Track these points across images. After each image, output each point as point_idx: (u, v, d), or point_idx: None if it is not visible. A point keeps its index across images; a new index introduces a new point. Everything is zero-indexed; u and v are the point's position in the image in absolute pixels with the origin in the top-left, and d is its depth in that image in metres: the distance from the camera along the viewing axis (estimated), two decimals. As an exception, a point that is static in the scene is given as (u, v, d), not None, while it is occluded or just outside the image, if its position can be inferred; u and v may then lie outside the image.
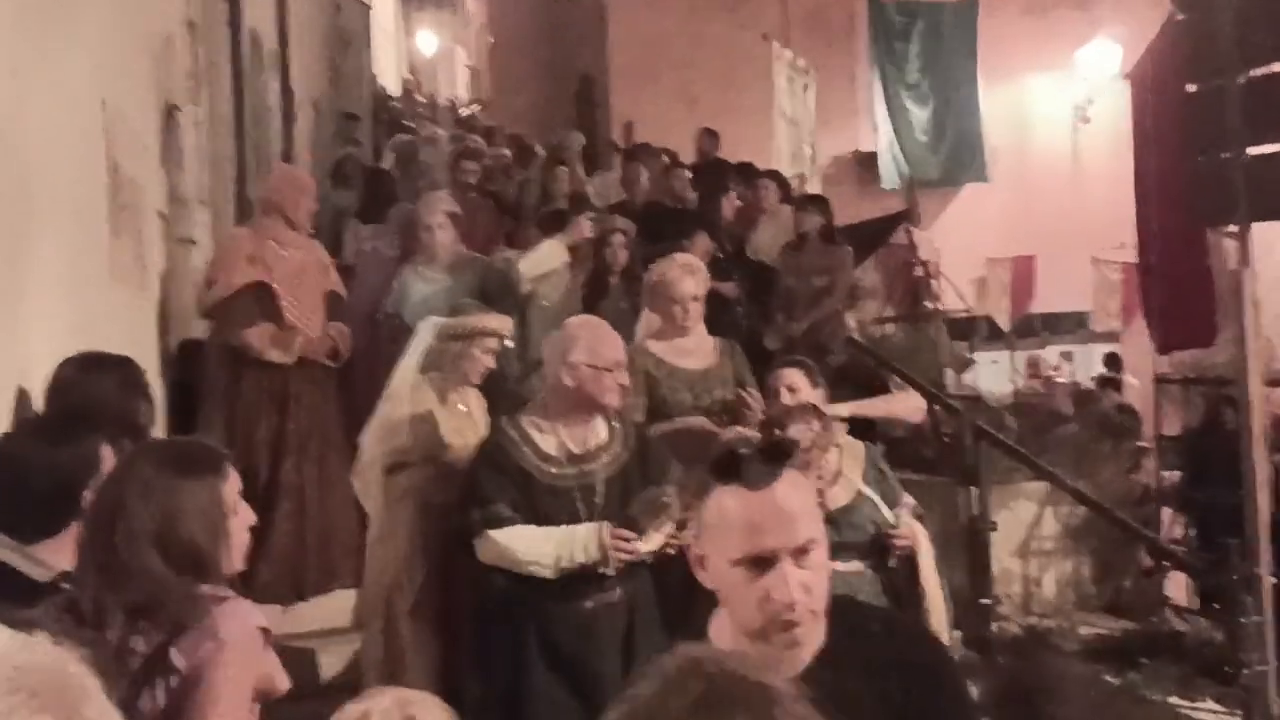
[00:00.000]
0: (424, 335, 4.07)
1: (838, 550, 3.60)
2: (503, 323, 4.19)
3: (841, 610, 1.79)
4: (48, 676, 0.86)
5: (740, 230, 8.16)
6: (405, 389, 3.96)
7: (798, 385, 3.87)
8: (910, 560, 3.63)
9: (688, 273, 4.36)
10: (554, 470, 3.41)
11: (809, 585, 1.68)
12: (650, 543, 3.33)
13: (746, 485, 1.69)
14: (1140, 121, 5.68)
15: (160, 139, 5.75)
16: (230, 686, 1.97)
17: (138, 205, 4.94)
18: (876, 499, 3.67)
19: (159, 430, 4.65)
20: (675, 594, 3.62)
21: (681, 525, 3.34)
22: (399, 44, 27.54)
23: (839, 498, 3.60)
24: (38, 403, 3.12)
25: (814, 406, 3.72)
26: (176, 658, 1.95)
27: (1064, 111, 15.28)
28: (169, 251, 5.95)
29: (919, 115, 14.50)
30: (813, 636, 1.73)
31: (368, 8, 16.79)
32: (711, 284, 4.71)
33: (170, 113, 5.99)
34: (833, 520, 3.64)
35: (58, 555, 2.36)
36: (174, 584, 1.97)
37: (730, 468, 1.72)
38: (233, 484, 2.10)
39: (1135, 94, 5.71)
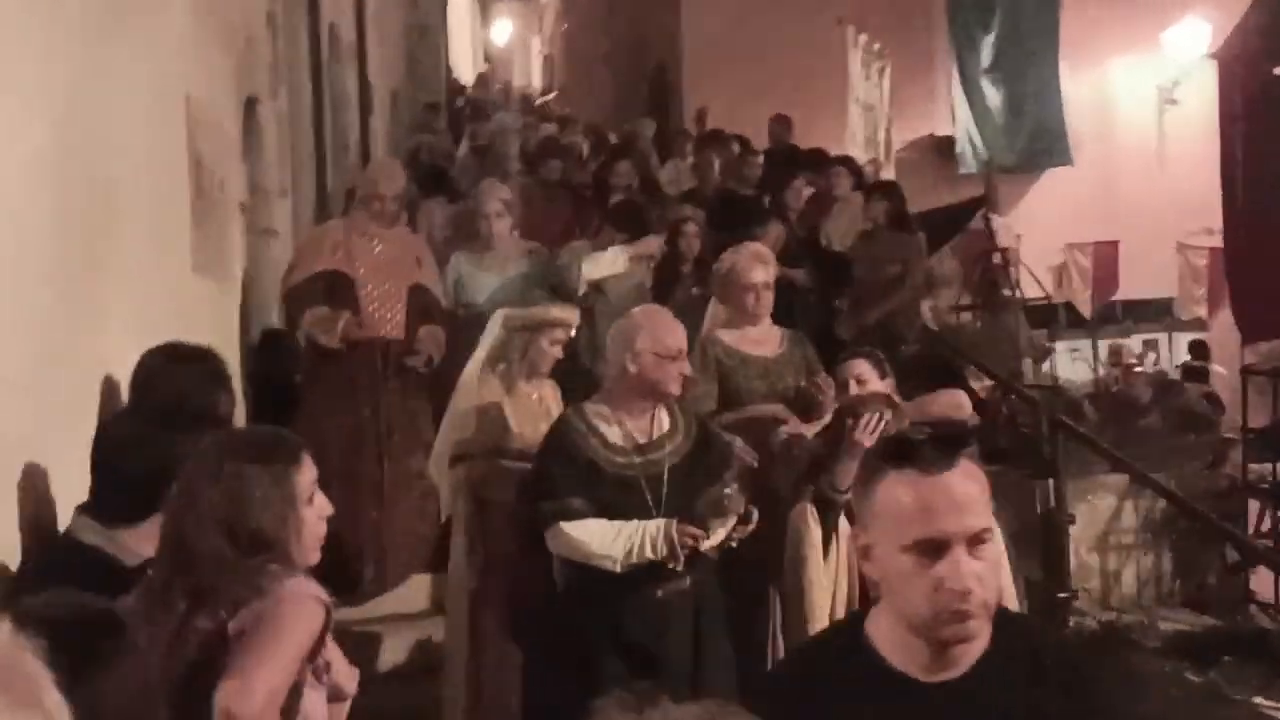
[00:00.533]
0: (492, 327, 4.12)
1: None
2: (569, 313, 4.22)
3: (1003, 619, 1.75)
4: (8, 669, 0.87)
5: (813, 218, 8.10)
6: (473, 381, 4.02)
7: (865, 376, 3.85)
8: None
9: (758, 261, 4.38)
10: (620, 460, 3.43)
11: (982, 577, 1.64)
12: (715, 538, 3.34)
13: (920, 469, 1.65)
14: (1228, 103, 5.52)
15: (241, 132, 5.88)
16: (278, 640, 1.96)
17: (220, 197, 5.06)
18: None
19: (239, 421, 4.77)
20: (738, 586, 3.65)
21: (744, 520, 3.34)
22: (474, 34, 27.78)
23: None
24: (123, 392, 3.21)
25: (887, 395, 3.70)
26: (234, 628, 1.98)
27: (1149, 93, 14.87)
28: (250, 243, 6.09)
29: (998, 99, 14.21)
30: (981, 635, 1.69)
31: (444, 2, 16.98)
32: (782, 272, 4.70)
33: (251, 106, 6.12)
34: None
35: (145, 543, 2.44)
36: (237, 566, 2.03)
37: (904, 452, 1.69)
38: (307, 473, 2.14)
39: (1223, 74, 5.55)
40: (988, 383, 7.30)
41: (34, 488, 2.67)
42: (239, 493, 2.05)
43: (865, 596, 3.58)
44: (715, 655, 3.48)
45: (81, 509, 2.49)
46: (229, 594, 2.00)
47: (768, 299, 4.38)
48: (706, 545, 3.32)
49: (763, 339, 4.39)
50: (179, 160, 4.31)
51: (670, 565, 3.32)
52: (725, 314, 4.48)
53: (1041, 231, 13.47)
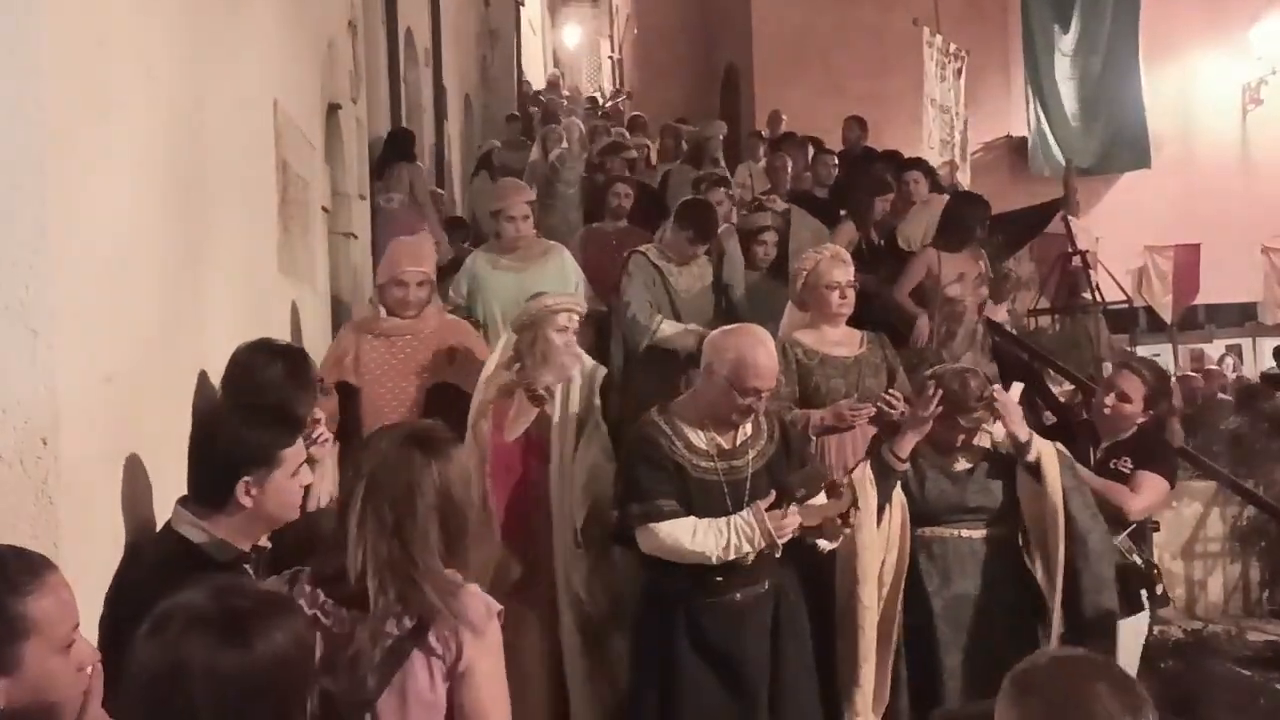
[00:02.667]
0: (506, 335, 4.20)
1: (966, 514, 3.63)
2: (571, 300, 4.22)
3: None
4: None
5: (889, 220, 8.03)
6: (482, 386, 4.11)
7: None
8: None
9: (838, 261, 4.37)
10: (704, 465, 3.43)
11: None
12: (809, 516, 3.33)
13: None
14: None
15: (323, 136, 5.98)
16: (498, 671, 2.16)
17: (304, 201, 5.16)
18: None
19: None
20: (820, 587, 3.64)
21: (844, 516, 3.34)
22: (545, 39, 27.96)
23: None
24: (216, 386, 3.29)
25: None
26: (437, 642, 2.13)
27: (1234, 93, 14.55)
28: (331, 245, 6.20)
29: (1075, 100, 13.99)
30: None
31: (517, 4, 17.10)
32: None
33: (333, 111, 6.23)
34: (959, 481, 3.65)
35: (237, 536, 2.50)
36: (440, 569, 2.14)
37: None
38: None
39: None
40: (1068, 387, 7.18)
41: (135, 480, 2.74)
42: (445, 486, 2.17)
43: (914, 566, 3.63)
44: (794, 659, 3.47)
45: (182, 501, 2.55)
46: (426, 599, 2.12)
47: (851, 298, 4.37)
48: (799, 522, 3.32)
49: (843, 339, 4.38)
50: (267, 163, 4.40)
51: (771, 553, 3.33)
52: (803, 316, 4.47)
53: (1120, 234, 13.22)
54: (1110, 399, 4.06)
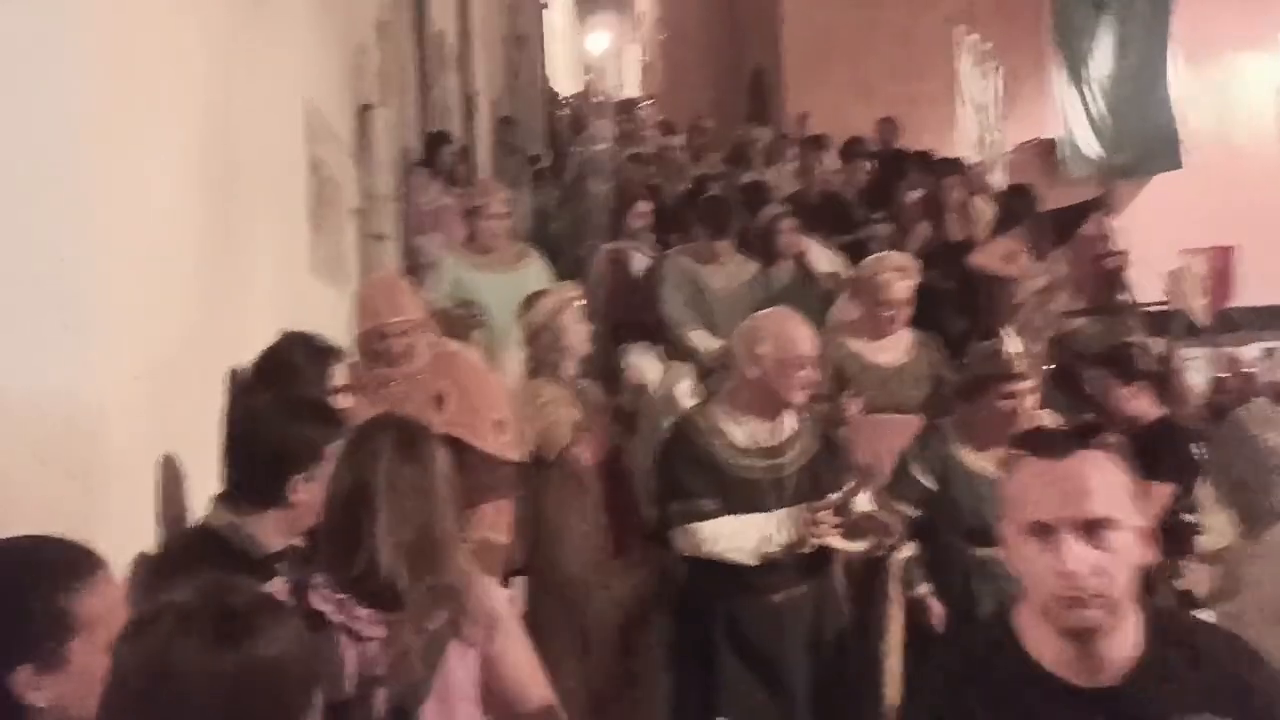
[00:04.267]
0: (513, 345, 4.09)
1: None
2: (572, 288, 4.17)
3: (1163, 619, 1.74)
4: None
5: (924, 221, 7.93)
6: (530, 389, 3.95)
7: None
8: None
9: (901, 276, 4.26)
10: (745, 462, 3.37)
11: (1101, 567, 1.65)
12: (858, 546, 3.26)
13: (1039, 454, 1.71)
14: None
15: (355, 137, 5.97)
16: (528, 651, 2.22)
17: (336, 202, 5.14)
18: None
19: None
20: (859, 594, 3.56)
21: (886, 534, 3.26)
22: (572, 44, 27.98)
23: None
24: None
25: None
26: (470, 631, 2.14)
27: (1269, 93, 14.35)
28: (363, 247, 6.17)
29: (1108, 101, 13.83)
30: (1115, 634, 1.69)
31: (543, 8, 17.10)
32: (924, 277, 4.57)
33: (363, 112, 6.21)
34: None
35: (272, 535, 2.46)
36: (460, 561, 2.17)
37: (1034, 440, 1.76)
38: None
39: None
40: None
41: (170, 476, 2.71)
42: (450, 478, 2.22)
43: (967, 588, 3.51)
44: (833, 661, 3.41)
45: (218, 498, 2.52)
46: (456, 593, 2.17)
47: (905, 315, 4.27)
48: (843, 545, 3.25)
49: (890, 344, 4.29)
50: (299, 163, 4.37)
51: (800, 550, 3.26)
52: (855, 316, 4.39)
53: (1154, 236, 13.04)
54: None
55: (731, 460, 3.36)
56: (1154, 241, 13.01)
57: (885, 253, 4.57)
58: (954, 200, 6.91)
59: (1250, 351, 14.05)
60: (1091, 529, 1.65)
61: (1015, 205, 6.14)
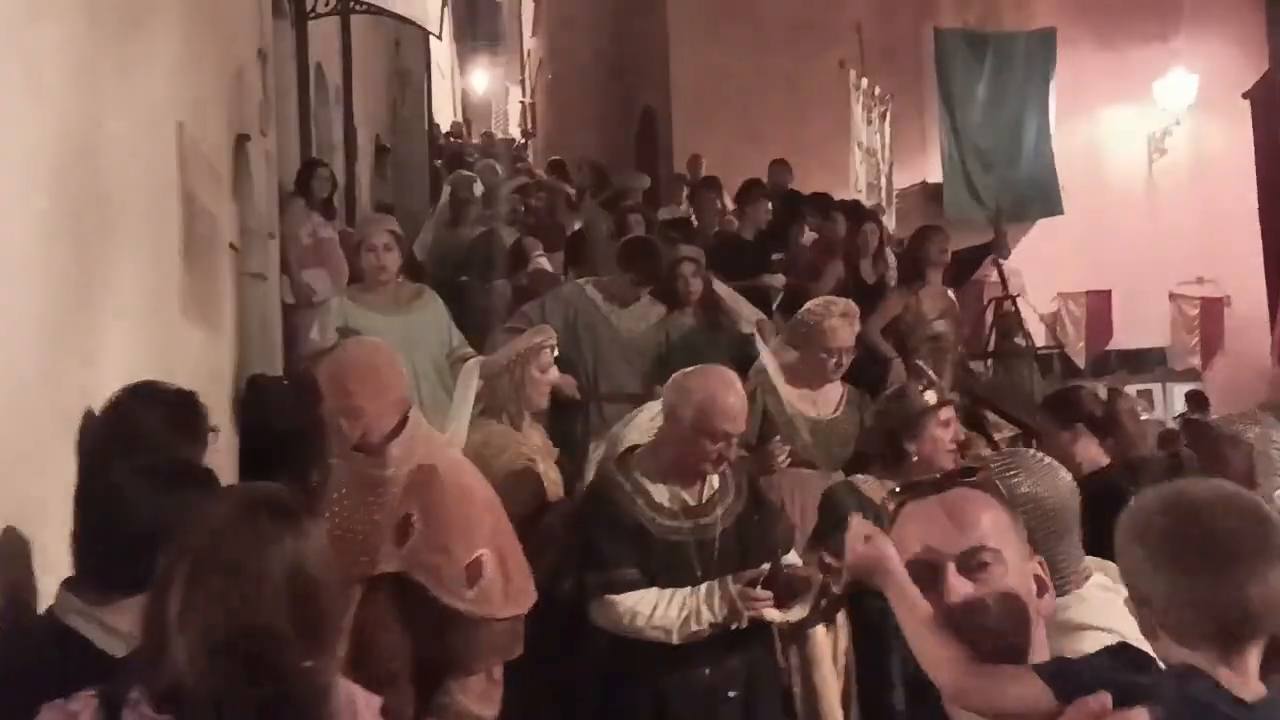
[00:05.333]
0: (468, 381, 3.69)
1: None
2: (545, 333, 3.90)
3: (1056, 668, 1.59)
4: None
5: (819, 263, 7.85)
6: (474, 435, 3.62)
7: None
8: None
9: (846, 322, 4.06)
10: (669, 524, 3.09)
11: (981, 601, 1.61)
12: (795, 613, 3.00)
13: (917, 495, 1.72)
14: (1263, 141, 5.30)
15: (231, 168, 5.56)
16: None
17: (212, 237, 4.72)
18: None
19: (230, 474, 4.40)
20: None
21: (823, 595, 3.02)
22: (454, 83, 27.68)
23: None
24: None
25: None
26: None
27: (1139, 144, 14.86)
28: (239, 286, 5.74)
29: (989, 146, 14.12)
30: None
31: (426, 47, 16.73)
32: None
33: (241, 142, 5.80)
34: None
35: (128, 621, 2.08)
36: (307, 667, 1.67)
37: (909, 486, 1.77)
38: None
39: (1256, 112, 5.33)
40: (1008, 433, 7.02)
41: (8, 553, 2.30)
42: (298, 561, 1.69)
43: (866, 670, 3.31)
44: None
45: (67, 584, 2.12)
46: (301, 710, 1.63)
47: (846, 363, 4.08)
48: (786, 619, 2.98)
49: (821, 397, 4.08)
50: (171, 194, 3.97)
51: (734, 626, 2.99)
52: (792, 360, 4.16)
53: (1033, 280, 13.31)
54: None
55: (655, 521, 3.08)
56: (1034, 285, 13.29)
57: (830, 297, 4.38)
58: (871, 244, 6.82)
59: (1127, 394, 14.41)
60: (966, 562, 1.62)
61: (928, 246, 6.04)
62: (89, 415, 2.77)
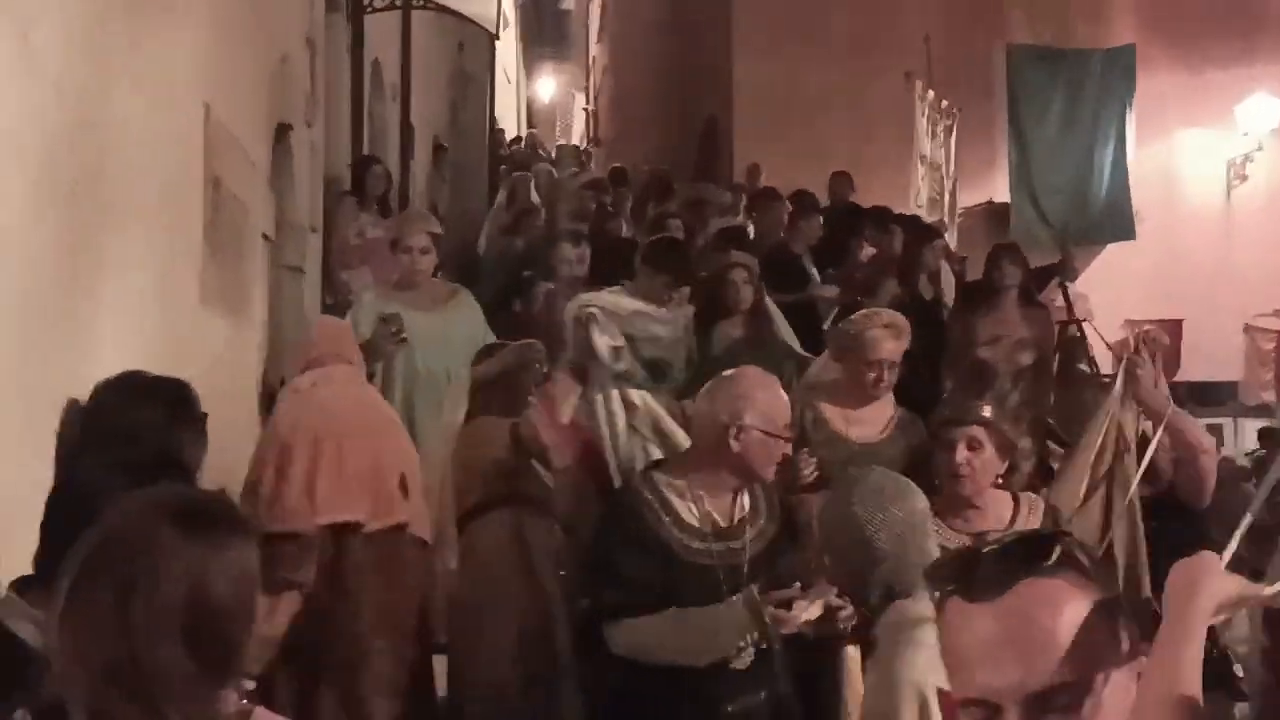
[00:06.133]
0: (459, 396, 3.57)
1: None
2: (534, 347, 3.85)
3: None
4: None
5: (875, 278, 7.57)
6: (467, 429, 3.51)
7: None
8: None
9: (891, 334, 3.78)
10: (698, 545, 2.85)
11: None
12: (810, 611, 2.71)
13: (965, 595, 1.21)
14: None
15: (270, 158, 5.43)
16: None
17: (240, 225, 4.58)
18: None
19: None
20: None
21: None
22: (520, 89, 27.68)
23: None
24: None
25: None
26: None
27: (1218, 169, 14.34)
28: (274, 278, 5.61)
29: (1061, 167, 13.70)
30: None
31: (491, 51, 16.66)
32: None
33: (283, 132, 5.68)
34: None
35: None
36: (203, 693, 1.45)
37: (954, 568, 1.24)
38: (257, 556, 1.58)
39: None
40: (1068, 463, 6.67)
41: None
42: (200, 578, 1.47)
43: None
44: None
45: (16, 584, 1.94)
46: None
47: (891, 378, 3.80)
48: (804, 617, 2.71)
49: (868, 418, 3.79)
50: (192, 177, 3.82)
51: (765, 645, 2.74)
52: (836, 376, 3.90)
53: (1101, 306, 12.88)
54: None
55: (681, 542, 2.84)
56: (1102, 312, 12.85)
57: (875, 308, 4.11)
58: (932, 264, 6.54)
59: (1195, 428, 13.88)
60: (1037, 706, 1.15)
61: (998, 272, 5.77)
62: (71, 405, 2.60)
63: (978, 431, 3.20)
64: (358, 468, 3.33)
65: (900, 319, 3.89)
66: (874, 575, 2.38)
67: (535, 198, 10.46)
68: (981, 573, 1.21)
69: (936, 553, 2.41)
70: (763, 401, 2.84)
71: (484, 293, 6.30)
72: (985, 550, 1.23)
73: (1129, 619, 1.23)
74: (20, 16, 2.32)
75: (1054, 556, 1.21)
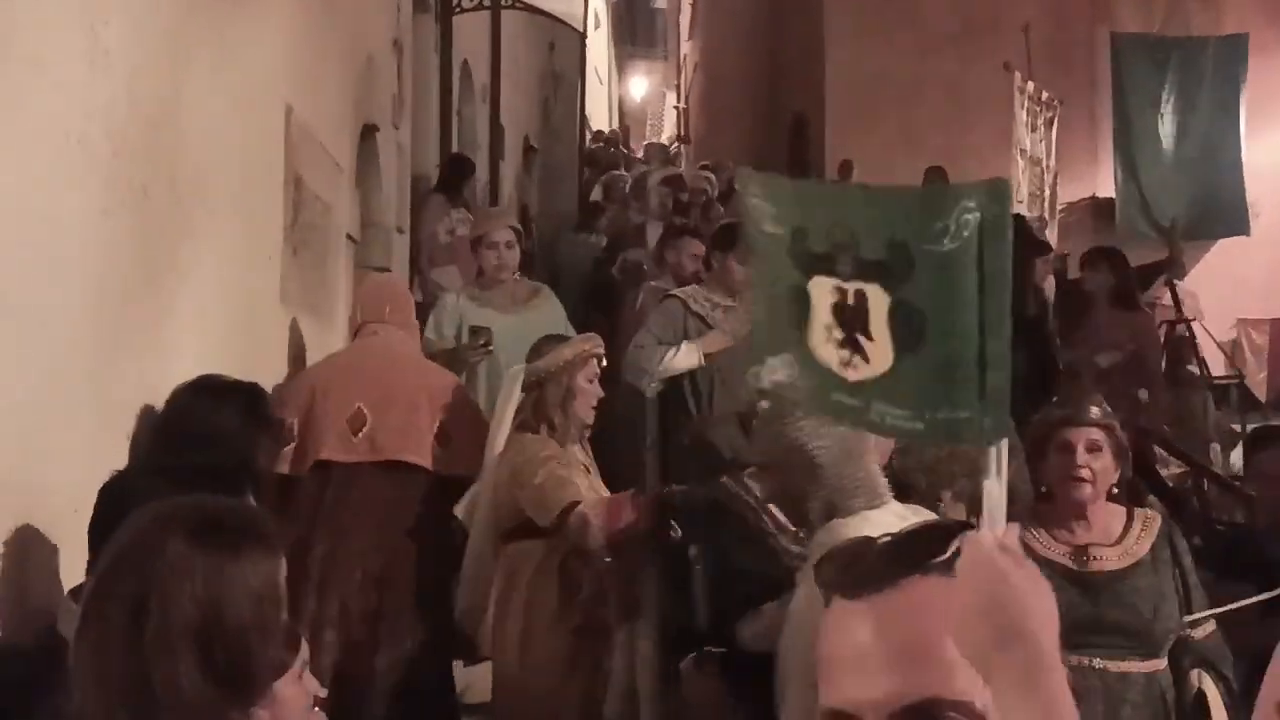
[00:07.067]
0: (510, 388, 3.39)
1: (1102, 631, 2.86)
2: (592, 341, 3.57)
3: None
4: None
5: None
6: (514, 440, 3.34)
7: None
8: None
9: None
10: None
11: None
12: None
13: (847, 591, 1.00)
14: None
15: (355, 159, 5.43)
16: None
17: (323, 224, 4.58)
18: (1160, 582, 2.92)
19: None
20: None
21: None
22: (611, 89, 27.71)
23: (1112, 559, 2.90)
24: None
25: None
26: None
27: (1336, 160, 13.67)
28: (359, 279, 5.62)
29: (1169, 160, 13.17)
30: None
31: (582, 51, 16.65)
32: None
33: (369, 133, 5.69)
34: (1096, 588, 2.87)
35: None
36: (223, 715, 1.38)
37: (841, 560, 1.03)
38: (283, 569, 1.50)
39: None
40: (1175, 469, 6.37)
41: (37, 554, 2.11)
42: (217, 594, 1.40)
43: None
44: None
45: (74, 593, 1.91)
46: None
47: None
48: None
49: None
50: (273, 177, 3.81)
51: None
52: None
53: (1212, 305, 12.35)
54: None
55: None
56: (1213, 310, 12.33)
57: None
58: (1038, 277, 6.31)
59: (1312, 431, 13.25)
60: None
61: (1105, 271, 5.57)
62: (146, 409, 2.58)
63: (1096, 434, 2.99)
64: (337, 413, 3.48)
65: None
66: (815, 494, 2.35)
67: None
68: (867, 565, 1.00)
69: (878, 475, 2.37)
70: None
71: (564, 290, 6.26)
72: (878, 541, 1.03)
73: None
74: (91, 10, 2.30)
75: (949, 551, 0.99)
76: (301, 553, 3.32)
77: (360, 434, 3.51)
